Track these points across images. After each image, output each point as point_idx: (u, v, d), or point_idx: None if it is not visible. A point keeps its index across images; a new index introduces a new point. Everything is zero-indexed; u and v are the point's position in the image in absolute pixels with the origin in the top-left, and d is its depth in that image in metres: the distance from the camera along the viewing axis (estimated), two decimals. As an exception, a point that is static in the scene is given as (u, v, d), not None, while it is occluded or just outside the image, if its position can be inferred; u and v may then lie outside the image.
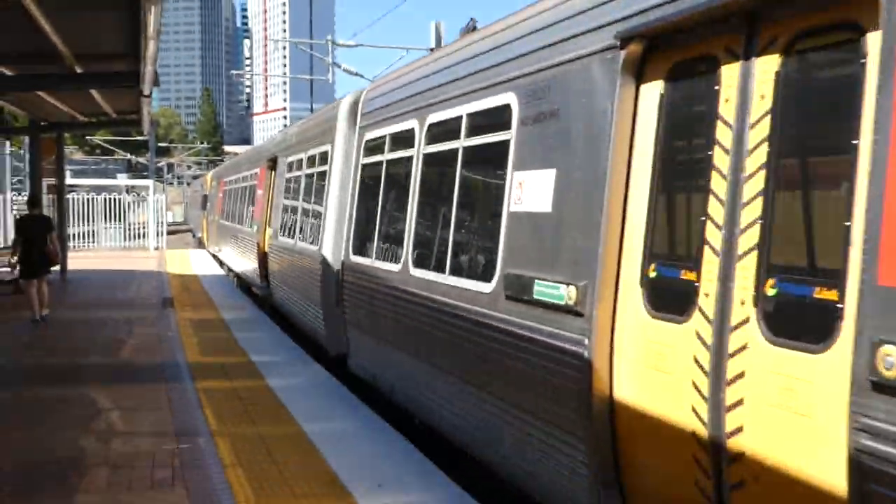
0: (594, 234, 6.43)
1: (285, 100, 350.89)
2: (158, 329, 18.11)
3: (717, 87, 5.56)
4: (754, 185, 5.16)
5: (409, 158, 10.67)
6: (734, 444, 5.13)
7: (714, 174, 5.50)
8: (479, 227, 9.09)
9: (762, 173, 5.12)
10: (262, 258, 23.11)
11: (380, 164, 11.94)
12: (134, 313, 20.89)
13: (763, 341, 4.96)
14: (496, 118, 8.40)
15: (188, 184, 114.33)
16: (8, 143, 40.79)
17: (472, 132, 8.96)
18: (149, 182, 49.52)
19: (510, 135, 7.97)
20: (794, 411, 4.71)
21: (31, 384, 12.93)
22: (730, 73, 5.48)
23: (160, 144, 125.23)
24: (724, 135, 5.46)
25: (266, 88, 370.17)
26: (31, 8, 13.04)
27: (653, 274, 6.05)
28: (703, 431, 5.39)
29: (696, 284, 5.55)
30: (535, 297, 7.09)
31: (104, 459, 9.15)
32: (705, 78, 5.77)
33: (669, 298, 5.89)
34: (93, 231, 44.35)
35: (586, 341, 6.37)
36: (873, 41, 4.42)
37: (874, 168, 4.25)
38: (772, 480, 4.86)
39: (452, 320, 8.82)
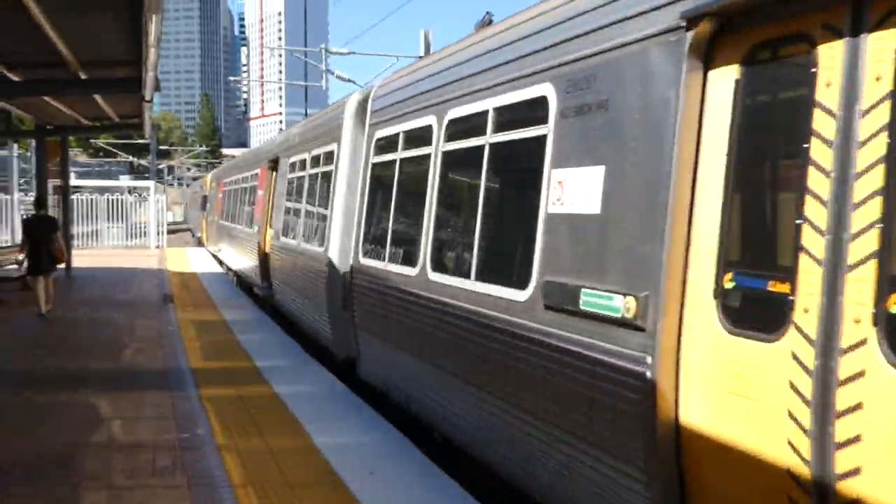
0: (656, 238, 5.42)
1: (281, 105, 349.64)
2: (160, 331, 17.01)
3: (813, 70, 4.55)
4: (869, 183, 4.16)
5: (426, 157, 9.65)
6: (848, 488, 4.12)
7: (812, 170, 4.49)
8: (510, 229, 8.07)
9: (880, 168, 4.12)
10: (263, 258, 22.01)
11: (392, 163, 10.91)
12: (136, 311, 20.13)
13: (887, 367, 3.97)
14: (529, 112, 7.40)
15: (188, 185, 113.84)
16: (15, 145, 40.32)
17: (499, 127, 7.93)
18: (150, 183, 49.37)
19: (547, 129, 6.96)
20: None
21: (30, 388, 11.88)
22: (831, 53, 4.46)
23: (161, 147, 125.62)
24: (824, 124, 4.45)
25: (262, 94, 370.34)
26: (39, 17, 13.19)
27: (730, 284, 5.04)
28: (803, 471, 4.38)
29: (791, 298, 4.54)
30: (583, 307, 6.08)
31: (105, 473, 8.14)
32: (796, 60, 4.75)
33: (754, 313, 4.89)
34: (96, 230, 44.19)
35: (649, 359, 5.36)
36: None
37: None
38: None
39: (479, 329, 7.80)
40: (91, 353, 14.66)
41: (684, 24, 5.33)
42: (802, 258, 4.48)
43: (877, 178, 4.11)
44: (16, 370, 13.33)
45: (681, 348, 5.34)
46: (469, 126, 8.63)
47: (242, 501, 7.45)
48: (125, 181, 75.83)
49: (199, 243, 52.57)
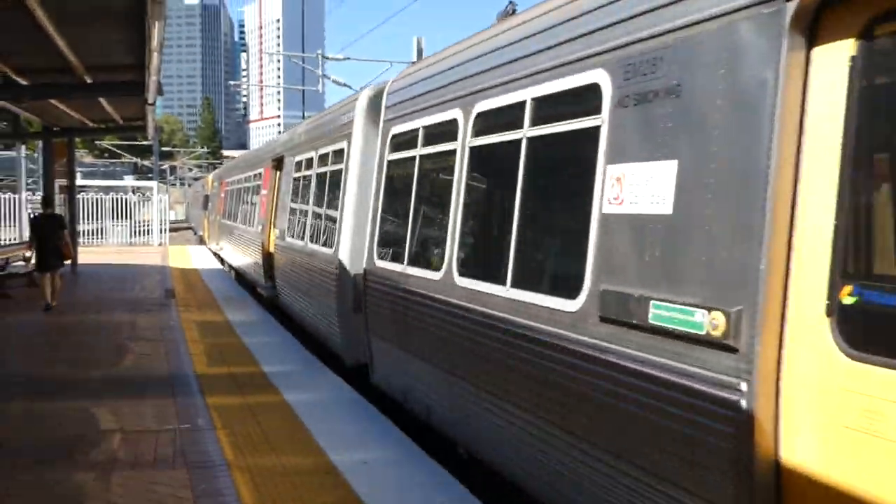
0: (752, 244, 4.42)
1: (279, 108, 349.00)
2: (162, 333, 15.93)
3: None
4: None
5: (451, 153, 8.62)
6: None
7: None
8: (554, 231, 7.06)
9: None
10: (267, 258, 20.92)
11: (411, 160, 9.87)
12: (138, 308, 19.11)
13: None
14: (577, 102, 6.39)
15: (189, 185, 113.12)
16: (23, 146, 40.16)
17: (540, 120, 6.90)
18: (153, 183, 49.57)
19: (599, 120, 5.95)
20: None
21: (29, 395, 10.86)
22: None
23: (164, 149, 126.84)
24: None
25: (261, 98, 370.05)
26: (47, 25, 13.28)
27: (850, 300, 4.04)
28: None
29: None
30: (652, 322, 5.07)
31: (106, 489, 7.12)
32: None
33: (884, 335, 3.91)
34: (101, 228, 43.85)
35: (743, 386, 4.36)
36: None
37: None
38: None
39: (516, 341, 6.79)
40: (92, 355, 13.59)
41: (784, -7, 4.34)
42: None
43: None
44: (14, 372, 12.31)
45: (781, 373, 4.35)
46: (502, 119, 7.62)
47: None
48: (129, 181, 75.49)
49: (201, 241, 51.80)
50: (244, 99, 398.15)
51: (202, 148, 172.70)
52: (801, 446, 4.21)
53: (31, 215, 26.87)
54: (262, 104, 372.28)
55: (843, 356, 3.99)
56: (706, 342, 4.62)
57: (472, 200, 8.26)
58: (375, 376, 10.94)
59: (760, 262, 4.33)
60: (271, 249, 20.50)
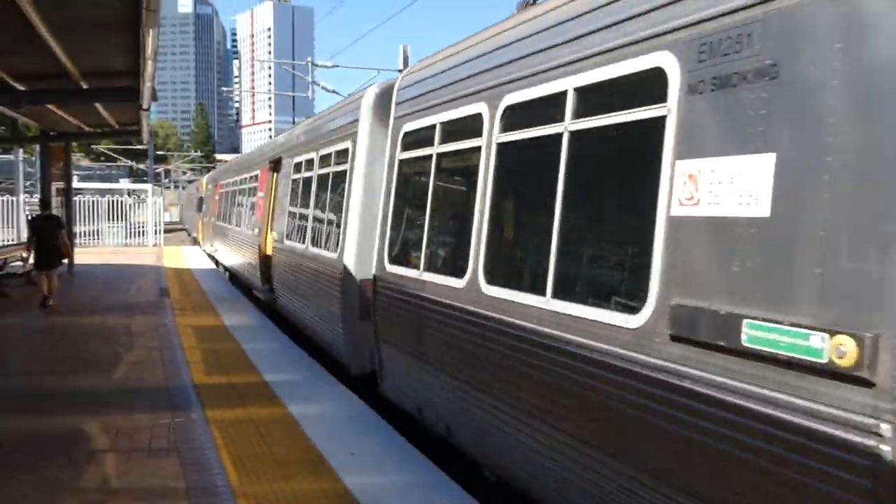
0: (894, 255, 3.47)
1: (270, 114, 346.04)
2: (159, 338, 14.86)
3: None
4: None
5: (475, 150, 7.62)
6: None
7: None
8: (606, 235, 6.08)
9: None
10: (264, 261, 19.86)
11: (426, 158, 8.86)
12: (133, 311, 18.13)
13: None
14: (633, 90, 5.43)
15: (183, 187, 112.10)
16: (21, 150, 39.65)
17: (584, 111, 5.92)
18: (148, 186, 48.86)
19: (665, 110, 4.97)
20: None
21: (15, 407, 9.84)
22: None
23: (158, 152, 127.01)
24: None
25: (253, 103, 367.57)
26: (44, 33, 13.27)
27: None
28: None
29: None
30: (748, 344, 4.11)
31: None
32: None
33: None
34: (97, 230, 43.50)
35: (884, 428, 3.41)
36: None
37: None
38: None
39: (559, 359, 5.82)
40: (85, 363, 12.53)
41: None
42: None
43: None
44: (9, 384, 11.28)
45: (931, 414, 3.39)
46: (537, 112, 6.64)
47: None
48: (125, 184, 74.81)
49: (195, 242, 50.90)
50: (236, 104, 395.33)
51: (196, 152, 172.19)
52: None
53: (29, 217, 26.45)
54: (253, 110, 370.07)
55: None
56: (828, 373, 3.66)
57: (502, 201, 7.26)
58: (385, 386, 9.95)
59: (905, 277, 3.38)
60: (268, 252, 19.44)
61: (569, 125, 6.02)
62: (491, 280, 7.04)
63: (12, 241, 33.11)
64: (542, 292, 6.13)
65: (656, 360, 4.80)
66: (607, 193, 6.02)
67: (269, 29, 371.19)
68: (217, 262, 33.22)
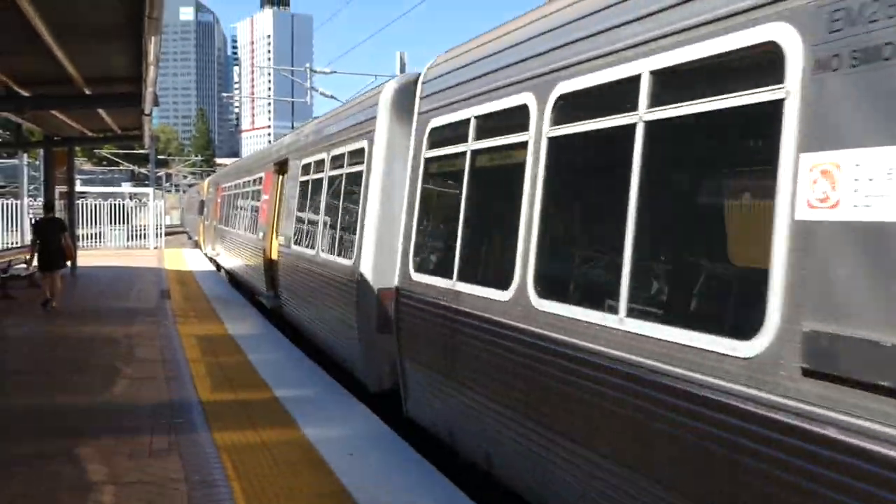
0: None
1: (269, 119, 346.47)
2: (161, 349, 13.82)
3: None
4: None
5: (519, 145, 6.59)
6: None
7: None
8: (697, 242, 5.10)
9: None
10: (269, 267, 18.79)
11: (459, 156, 7.83)
12: (135, 317, 17.21)
13: None
14: (734, 69, 4.45)
15: (184, 191, 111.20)
16: (25, 155, 40.30)
17: (665, 98, 4.91)
18: (149, 190, 48.91)
19: (782, 92, 3.97)
20: None
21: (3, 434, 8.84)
22: None
23: (159, 157, 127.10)
24: None
25: (253, 109, 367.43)
26: (48, 39, 13.22)
27: None
28: None
29: None
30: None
31: None
32: None
33: None
34: (100, 232, 43.37)
35: None
36: None
37: None
38: None
39: (642, 390, 4.80)
40: (83, 377, 11.49)
41: None
42: None
43: None
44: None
45: None
46: (600, 101, 5.64)
47: None
48: (126, 188, 74.60)
49: (196, 245, 50.16)
50: (236, 110, 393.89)
51: (196, 156, 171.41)
52: None
53: (33, 220, 26.54)
54: (253, 115, 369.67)
55: None
56: None
57: (556, 202, 6.24)
58: (410, 406, 8.93)
59: None
60: (273, 257, 18.40)
61: (644, 115, 5.00)
62: (544, 293, 6.03)
63: (16, 244, 32.98)
64: (612, 310, 5.11)
65: (781, 398, 3.79)
66: (697, 192, 5.03)
67: (269, 36, 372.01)
68: (218, 266, 32.17)
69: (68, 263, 20.87)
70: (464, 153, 7.64)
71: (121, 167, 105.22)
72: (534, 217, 6.21)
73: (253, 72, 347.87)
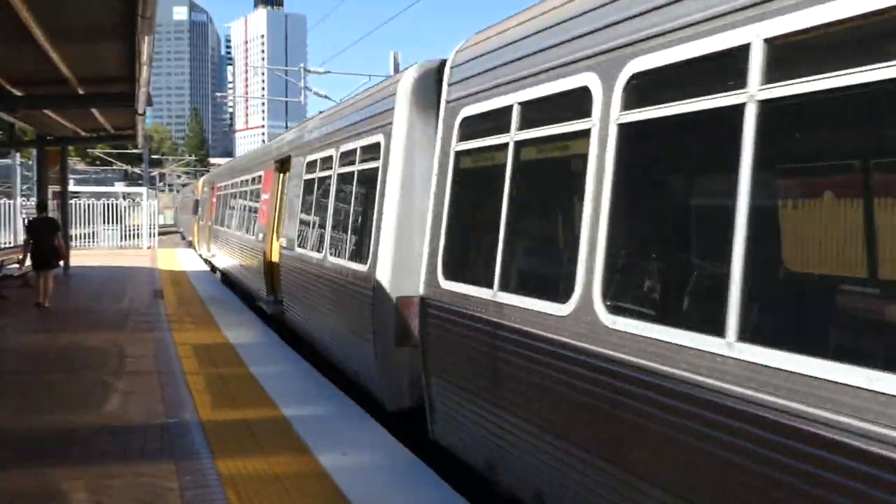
0: None
1: (263, 118, 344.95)
2: (156, 359, 12.79)
3: None
4: None
5: (580, 134, 5.60)
6: None
7: None
8: (857, 250, 4.11)
9: None
10: (270, 270, 17.75)
11: (499, 148, 6.80)
12: (128, 321, 16.37)
13: None
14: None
15: (177, 191, 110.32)
16: (18, 154, 40.05)
17: (785, 72, 3.94)
18: (143, 189, 49.29)
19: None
20: None
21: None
22: None
23: (153, 157, 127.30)
24: None
25: (246, 108, 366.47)
26: (41, 38, 13.23)
27: None
28: None
29: None
30: None
31: None
32: None
33: None
34: (93, 232, 42.58)
35: None
36: None
37: None
38: None
39: (765, 435, 3.82)
40: (70, 394, 10.49)
41: None
42: None
43: None
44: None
45: None
46: (688, 79, 4.66)
47: None
48: (120, 187, 74.07)
49: (190, 245, 49.23)
50: (230, 110, 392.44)
51: (190, 156, 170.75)
52: None
53: (26, 220, 26.56)
54: (247, 115, 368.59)
55: None
56: None
57: (631, 198, 5.25)
58: (437, 429, 7.92)
59: None
60: (274, 259, 17.37)
61: (756, 92, 4.03)
62: (618, 308, 5.04)
63: (9, 243, 32.55)
64: (718, 332, 4.13)
65: None
66: (836, 186, 4.04)
67: (263, 36, 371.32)
68: (213, 268, 31.14)
69: (61, 263, 20.84)
70: (505, 145, 6.64)
71: (114, 167, 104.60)
72: (600, 216, 5.22)
73: (247, 71, 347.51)
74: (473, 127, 7.39)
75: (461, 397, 7.19)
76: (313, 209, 13.55)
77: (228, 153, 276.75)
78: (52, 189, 29.41)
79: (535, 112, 6.32)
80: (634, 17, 5.10)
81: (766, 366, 3.80)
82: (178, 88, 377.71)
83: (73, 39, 13.76)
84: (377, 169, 9.92)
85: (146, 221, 43.34)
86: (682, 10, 4.65)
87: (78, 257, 30.99)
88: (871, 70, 3.41)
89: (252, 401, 9.97)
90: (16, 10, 11.44)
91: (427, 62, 9.61)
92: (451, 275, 7.47)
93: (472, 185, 7.56)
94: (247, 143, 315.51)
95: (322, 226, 12.68)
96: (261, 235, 19.07)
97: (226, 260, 26.52)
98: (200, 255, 37.96)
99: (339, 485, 6.98)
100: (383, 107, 10.05)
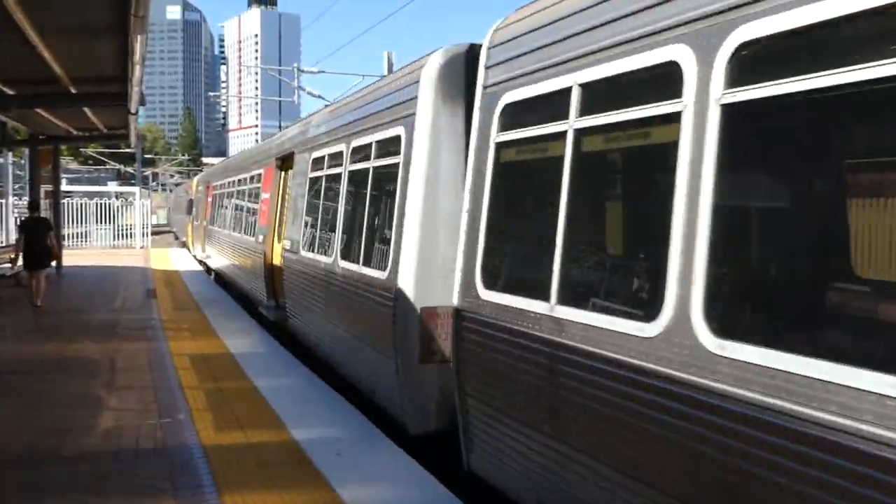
0: None
1: (257, 118, 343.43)
2: (151, 372, 11.81)
3: None
4: None
5: (666, 118, 4.66)
6: None
7: None
8: None
9: None
10: (271, 273, 16.73)
11: (554, 137, 5.76)
12: (120, 327, 15.60)
13: None
14: None
15: (171, 190, 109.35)
16: (10, 153, 39.52)
17: None
18: (136, 189, 48.76)
19: None
20: None
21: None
22: None
23: (146, 156, 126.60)
24: None
25: (240, 108, 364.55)
26: (35, 40, 13.33)
27: None
28: None
29: None
30: None
31: None
32: None
33: None
34: (86, 232, 42.78)
35: None
36: None
37: None
38: None
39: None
40: (57, 415, 9.53)
41: None
42: None
43: None
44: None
45: None
46: (828, 46, 3.73)
47: None
48: (112, 187, 73.59)
49: (183, 245, 48.53)
50: (223, 109, 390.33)
51: (183, 155, 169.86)
52: None
53: (18, 219, 26.61)
54: (240, 114, 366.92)
55: None
56: None
57: (744, 194, 4.30)
58: (474, 459, 6.96)
59: None
60: (275, 262, 16.37)
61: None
62: (727, 329, 4.08)
63: (1, 243, 32.24)
64: (886, 365, 3.19)
65: None
66: None
67: (257, 35, 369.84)
68: (209, 270, 30.09)
69: (53, 263, 20.80)
70: (562, 134, 5.68)
71: (107, 166, 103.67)
72: (699, 216, 4.27)
73: (240, 71, 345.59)
74: (519, 114, 6.43)
75: (507, 424, 6.24)
76: (320, 209, 12.58)
77: (222, 153, 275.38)
78: (45, 188, 29.69)
79: (602, 94, 5.36)
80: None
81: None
82: (171, 88, 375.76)
83: (65, 38, 13.70)
84: (397, 165, 8.96)
85: (139, 221, 43.00)
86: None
87: (70, 257, 30.70)
88: None
89: (259, 421, 8.97)
90: (8, 9, 11.35)
91: (454, 46, 8.65)
92: (492, 284, 6.51)
93: (519, 180, 6.61)
94: (240, 142, 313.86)
95: (331, 227, 11.71)
96: (261, 237, 18.07)
97: (222, 262, 25.48)
98: (195, 257, 36.94)
99: (366, 527, 6.03)
100: (404, 96, 9.09)
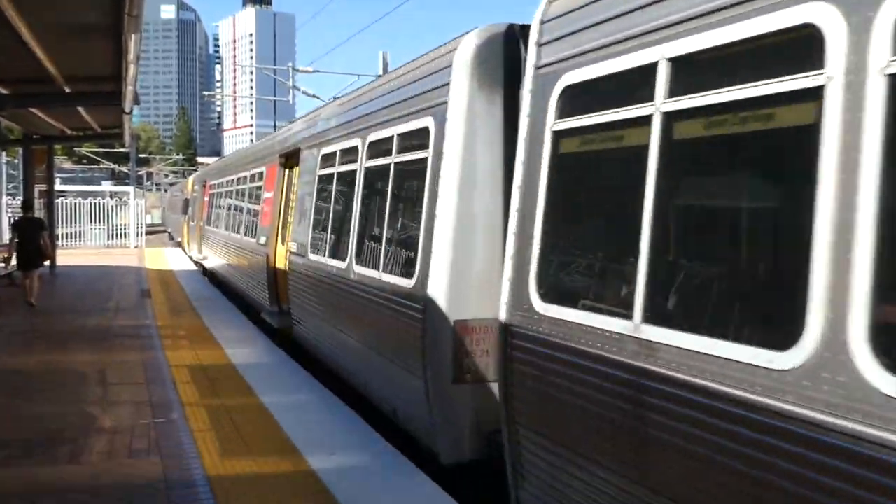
0: None
1: (252, 117, 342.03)
2: (148, 388, 10.83)
3: None
4: None
5: (798, 96, 3.69)
6: None
7: None
8: None
9: None
10: (275, 277, 15.76)
11: (635, 123, 4.83)
12: (115, 333, 14.72)
13: None
14: None
15: (165, 190, 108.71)
16: (3, 153, 38.92)
17: None
18: (130, 188, 48.93)
19: None
20: None
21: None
22: None
23: (140, 156, 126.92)
24: None
25: (235, 107, 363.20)
26: (29, 39, 13.32)
27: None
28: None
29: None
30: None
31: None
32: None
33: None
34: (80, 231, 42.11)
35: None
36: None
37: None
38: None
39: None
40: (44, 440, 8.59)
41: None
42: None
43: None
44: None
45: None
46: None
47: None
48: (107, 186, 73.01)
49: (178, 245, 48.02)
50: (218, 108, 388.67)
51: (178, 155, 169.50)
52: None
53: (12, 219, 25.95)
54: (235, 114, 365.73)
55: None
56: None
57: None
58: (525, 497, 5.97)
59: None
60: (279, 266, 15.40)
61: None
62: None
63: None
64: None
65: None
66: None
67: (251, 34, 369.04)
68: (205, 271, 29.13)
69: (46, 263, 20.77)
70: (646, 119, 4.73)
71: (101, 166, 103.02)
72: (857, 213, 3.34)
73: (235, 70, 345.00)
74: (582, 98, 5.49)
75: (571, 462, 5.30)
76: (332, 209, 11.62)
77: (216, 152, 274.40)
78: (39, 188, 29.51)
79: (701, 70, 4.43)
80: None
81: None
82: (165, 87, 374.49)
83: (59, 38, 13.68)
84: (425, 160, 8.00)
85: (133, 221, 42.76)
86: None
87: (64, 257, 30.54)
88: None
89: (270, 446, 7.99)
90: (1, 8, 11.31)
91: (491, 25, 7.67)
92: (551, 296, 5.56)
93: (584, 173, 5.67)
94: (235, 142, 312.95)
95: (344, 230, 10.75)
96: (263, 238, 17.08)
97: (220, 264, 24.46)
98: (191, 258, 35.99)
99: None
100: (433, 83, 8.12)
